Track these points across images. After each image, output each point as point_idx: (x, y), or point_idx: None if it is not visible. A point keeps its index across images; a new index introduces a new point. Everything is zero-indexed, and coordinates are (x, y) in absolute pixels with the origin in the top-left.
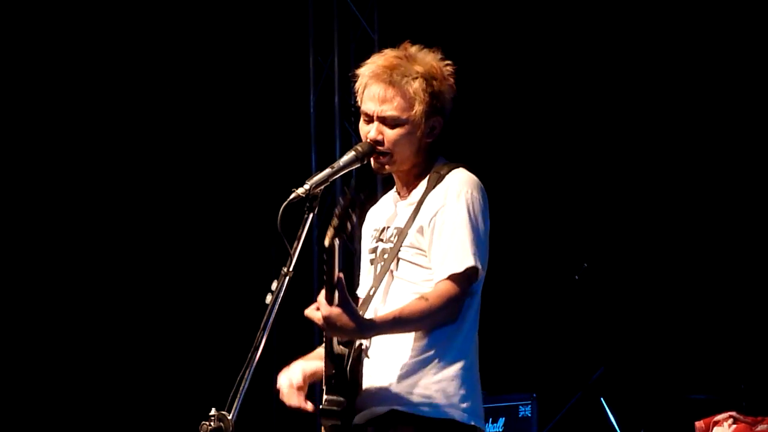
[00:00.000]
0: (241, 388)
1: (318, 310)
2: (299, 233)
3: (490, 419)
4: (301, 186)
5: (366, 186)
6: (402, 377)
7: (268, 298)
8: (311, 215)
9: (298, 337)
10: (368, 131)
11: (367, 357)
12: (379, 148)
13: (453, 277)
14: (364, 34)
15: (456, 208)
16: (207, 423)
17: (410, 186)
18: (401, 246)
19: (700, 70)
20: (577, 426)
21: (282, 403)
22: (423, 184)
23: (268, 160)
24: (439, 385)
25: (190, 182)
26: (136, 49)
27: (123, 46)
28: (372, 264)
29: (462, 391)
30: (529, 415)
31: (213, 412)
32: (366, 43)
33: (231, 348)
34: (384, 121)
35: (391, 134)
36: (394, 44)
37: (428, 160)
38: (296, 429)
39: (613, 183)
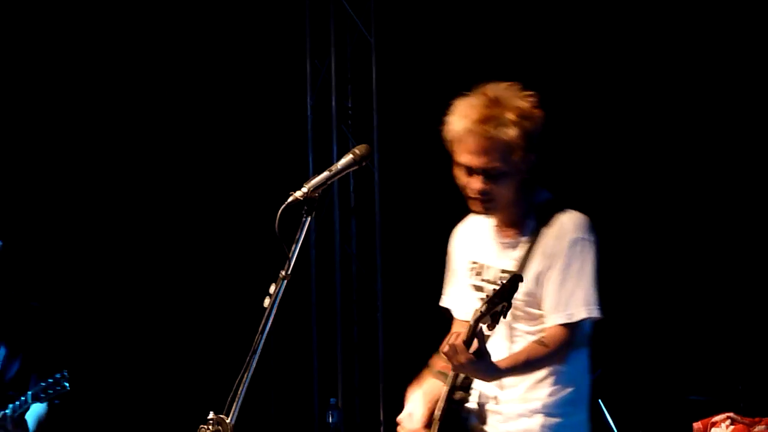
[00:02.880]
0: (239, 392)
1: (450, 347)
2: (297, 237)
3: None
4: (299, 189)
5: None
6: (533, 413)
7: (266, 302)
8: (309, 218)
9: (295, 341)
10: (469, 182)
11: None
12: (486, 197)
13: (569, 325)
14: (360, 37)
15: (569, 256)
16: (205, 426)
17: (512, 224)
18: (510, 288)
19: (696, 66)
20: None
21: (281, 407)
22: (528, 225)
23: (266, 163)
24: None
25: (188, 185)
26: (135, 51)
27: (122, 48)
28: (485, 304)
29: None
30: None
31: (211, 415)
32: (363, 46)
33: (229, 351)
34: (486, 173)
35: (495, 185)
36: (390, 47)
37: (527, 194)
38: (295, 430)
39: (608, 184)
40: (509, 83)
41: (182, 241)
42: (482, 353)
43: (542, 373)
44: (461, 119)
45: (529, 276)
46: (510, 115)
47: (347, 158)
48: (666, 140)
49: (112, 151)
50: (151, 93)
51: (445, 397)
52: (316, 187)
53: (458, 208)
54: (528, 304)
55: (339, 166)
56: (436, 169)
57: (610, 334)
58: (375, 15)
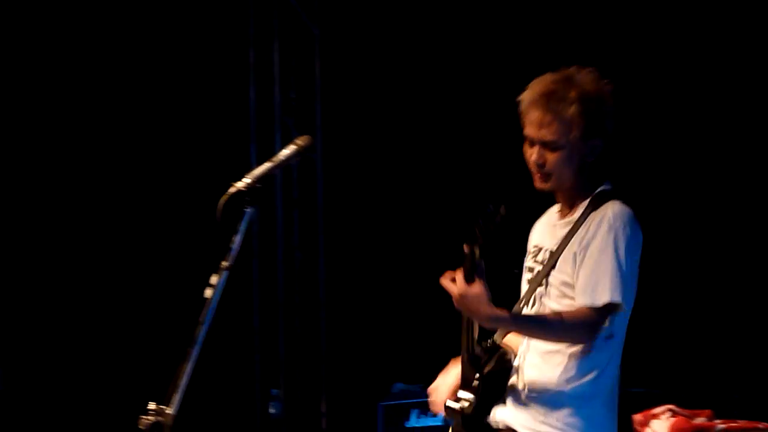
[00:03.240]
0: (180, 383)
1: (454, 283)
2: (239, 228)
3: (429, 412)
4: (241, 180)
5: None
6: (534, 404)
7: (208, 293)
8: (251, 209)
9: (237, 332)
10: (531, 154)
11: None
12: (542, 169)
13: (591, 308)
14: (304, 29)
15: (604, 241)
16: (146, 417)
17: (571, 205)
18: (550, 270)
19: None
20: None
21: (222, 398)
22: (582, 206)
23: (208, 154)
24: (563, 422)
25: (128, 176)
26: (75, 40)
27: (62, 37)
28: (529, 284)
29: (583, 425)
30: None
31: (152, 406)
32: (307, 37)
33: (170, 342)
34: (544, 145)
35: (551, 158)
36: (335, 39)
37: (591, 181)
38: (236, 423)
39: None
40: (590, 68)
41: (122, 232)
42: (483, 285)
43: (561, 353)
44: (529, 92)
45: (564, 256)
46: (573, 93)
47: (289, 149)
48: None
49: (45, 142)
50: (91, 83)
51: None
52: (258, 178)
53: (401, 200)
54: (562, 283)
55: (281, 157)
56: (380, 161)
57: None
58: (319, 6)
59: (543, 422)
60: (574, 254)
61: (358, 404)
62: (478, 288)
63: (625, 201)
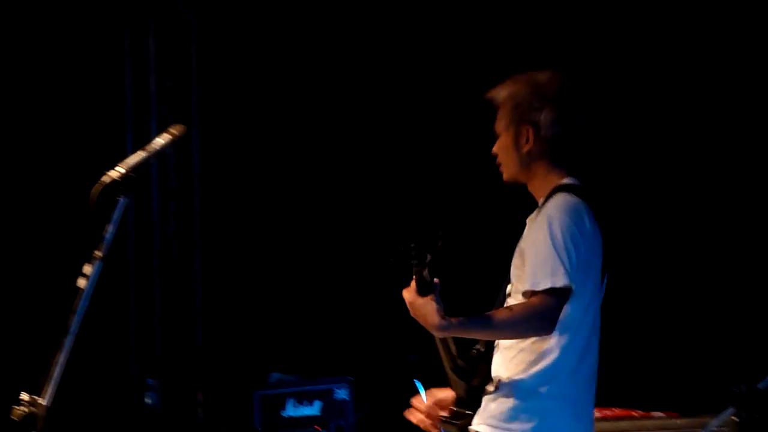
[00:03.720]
0: (53, 374)
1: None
2: (112, 217)
3: (306, 402)
4: (114, 169)
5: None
6: (490, 402)
7: (81, 282)
8: (125, 199)
9: (113, 322)
10: None
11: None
12: (496, 159)
13: (541, 295)
14: (180, 16)
15: (541, 231)
16: (18, 408)
17: (538, 202)
18: (512, 266)
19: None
20: (393, 409)
21: (97, 389)
22: (542, 202)
23: (83, 143)
24: (507, 415)
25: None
26: None
27: None
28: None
29: (534, 418)
30: (346, 398)
31: (24, 396)
32: (183, 25)
33: (43, 332)
34: (496, 136)
35: (498, 148)
36: (211, 27)
37: (546, 176)
38: (112, 413)
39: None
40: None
41: None
42: (435, 297)
43: (513, 348)
44: None
45: (516, 253)
46: (511, 82)
47: (163, 138)
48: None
49: None
50: None
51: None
52: (132, 167)
53: (277, 189)
54: (518, 279)
55: (155, 146)
56: (256, 150)
57: None
58: None
59: (489, 417)
60: (522, 249)
61: (234, 394)
62: (427, 299)
63: (577, 194)
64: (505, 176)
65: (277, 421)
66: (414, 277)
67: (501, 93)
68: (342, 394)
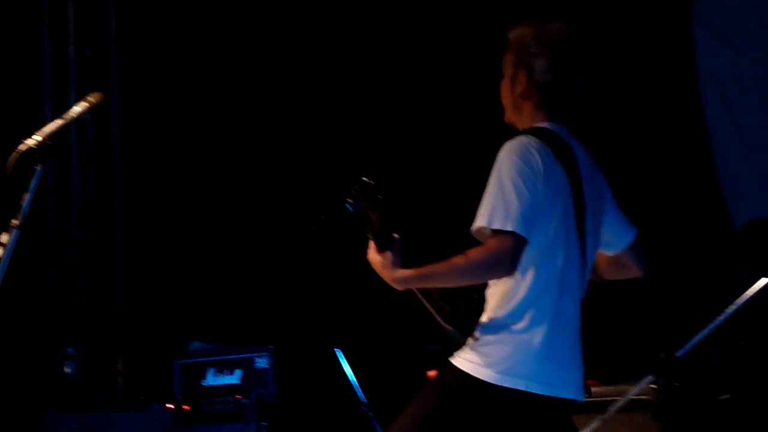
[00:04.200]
0: None
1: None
2: (30, 185)
3: (227, 371)
4: (31, 138)
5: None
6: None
7: None
8: (42, 167)
9: (32, 291)
10: None
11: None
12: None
13: (495, 237)
14: None
15: (493, 172)
16: None
17: None
18: None
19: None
20: (313, 377)
21: (16, 358)
22: None
23: (0, 111)
24: (479, 348)
25: None
26: None
27: None
28: None
29: (501, 352)
30: (267, 366)
31: None
32: None
33: None
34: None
35: (501, 85)
36: None
37: (528, 121)
38: (31, 383)
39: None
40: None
41: None
42: (392, 252)
43: (490, 296)
44: None
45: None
46: (520, 25)
47: (80, 106)
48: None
49: None
50: None
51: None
52: (49, 136)
53: (197, 157)
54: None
55: (72, 114)
56: (176, 118)
57: (348, 284)
58: None
59: (464, 352)
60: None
61: (154, 363)
62: (384, 254)
63: (540, 135)
64: (505, 117)
65: (198, 390)
66: (369, 237)
67: (513, 32)
68: (262, 362)
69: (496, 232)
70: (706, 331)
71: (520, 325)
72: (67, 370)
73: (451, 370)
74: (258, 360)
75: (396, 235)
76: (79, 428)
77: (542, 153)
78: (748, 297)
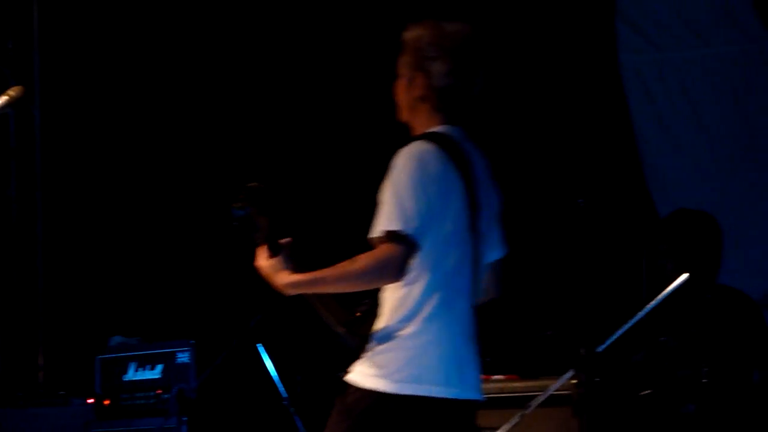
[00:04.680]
0: None
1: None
2: None
3: (148, 366)
4: None
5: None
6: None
7: None
8: None
9: None
10: None
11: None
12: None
13: (384, 244)
14: None
15: (388, 180)
16: None
17: None
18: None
19: None
20: (235, 372)
21: None
22: None
23: None
24: (375, 357)
25: None
26: None
27: None
28: None
29: (398, 360)
30: (188, 361)
31: None
32: None
33: None
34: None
35: (396, 84)
36: None
37: (424, 124)
38: None
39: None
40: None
41: None
42: (282, 258)
43: (384, 296)
44: None
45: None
46: (415, 26)
47: (2, 99)
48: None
49: None
50: None
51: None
52: None
53: (121, 151)
54: None
55: None
56: (99, 111)
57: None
58: None
59: (360, 364)
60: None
61: (75, 357)
62: (273, 260)
63: (436, 140)
64: (400, 116)
65: (119, 384)
66: (258, 243)
67: (408, 35)
68: (184, 357)
69: (388, 238)
70: (626, 326)
71: (414, 330)
72: None
73: (354, 388)
74: (179, 355)
75: (286, 240)
76: None
77: (437, 158)
78: (668, 292)
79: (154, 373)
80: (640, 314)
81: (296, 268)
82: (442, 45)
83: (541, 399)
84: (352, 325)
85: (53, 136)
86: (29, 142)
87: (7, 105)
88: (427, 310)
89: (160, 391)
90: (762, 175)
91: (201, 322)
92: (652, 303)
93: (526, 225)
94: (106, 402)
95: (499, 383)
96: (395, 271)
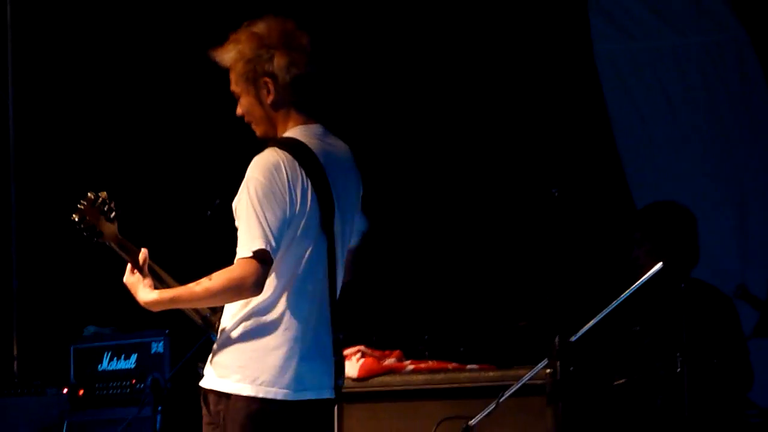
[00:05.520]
0: None
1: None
2: None
3: (123, 356)
4: None
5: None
6: (216, 346)
7: None
8: None
9: None
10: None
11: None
12: (247, 120)
13: (240, 261)
14: None
15: (241, 196)
16: None
17: None
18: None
19: None
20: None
21: None
22: None
23: None
24: (220, 357)
25: None
26: None
27: None
28: None
29: (239, 361)
30: (162, 351)
31: None
32: None
33: None
34: (236, 97)
35: (240, 106)
36: None
37: (286, 126)
38: None
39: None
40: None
41: None
42: (142, 274)
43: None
44: None
45: (234, 209)
46: (233, 41)
47: None
48: None
49: None
50: None
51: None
52: None
53: (97, 140)
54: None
55: None
56: (74, 101)
57: None
58: None
59: (212, 365)
60: (234, 209)
61: (50, 347)
62: (134, 277)
63: (286, 146)
64: (259, 133)
65: (94, 374)
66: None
67: (227, 55)
68: (158, 347)
69: (243, 257)
70: (600, 315)
71: (268, 333)
72: None
73: (221, 396)
74: (154, 344)
75: (143, 252)
76: None
77: (286, 165)
78: (642, 281)
79: (129, 363)
80: (614, 303)
81: (158, 281)
82: (268, 45)
83: (515, 388)
84: (209, 321)
85: (27, 123)
86: (3, 134)
87: None
88: (278, 311)
89: (134, 381)
90: (732, 166)
91: (175, 311)
92: (626, 292)
93: (501, 215)
94: (81, 392)
95: (473, 373)
96: (255, 288)
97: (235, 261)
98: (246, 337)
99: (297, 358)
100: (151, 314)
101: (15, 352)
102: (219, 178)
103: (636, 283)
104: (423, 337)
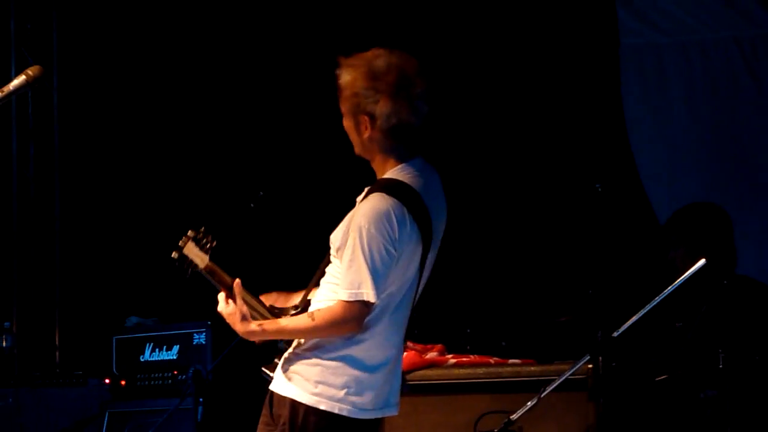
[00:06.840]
0: None
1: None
2: None
3: (165, 347)
4: None
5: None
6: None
7: None
8: None
9: None
10: None
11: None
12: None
13: (343, 304)
14: None
15: (353, 239)
16: None
17: None
18: (331, 246)
19: None
20: (251, 353)
21: None
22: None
23: None
24: (300, 367)
25: None
26: None
27: None
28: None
29: (320, 376)
30: (204, 342)
31: None
32: None
33: None
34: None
35: (348, 130)
36: None
37: (382, 162)
38: None
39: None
40: (392, 50)
41: None
42: (239, 303)
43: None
44: None
45: (340, 230)
46: (349, 67)
47: (19, 80)
48: None
49: None
50: None
51: None
52: None
53: (139, 131)
54: (333, 273)
55: (10, 88)
56: (117, 93)
57: (289, 258)
58: None
59: (298, 377)
60: (339, 246)
61: (92, 337)
62: (231, 308)
63: (395, 191)
64: (356, 152)
65: (136, 365)
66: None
67: (342, 77)
68: (200, 338)
69: (348, 301)
70: (643, 311)
71: (354, 352)
72: (3, 344)
73: (291, 404)
74: (196, 336)
75: (237, 282)
76: (15, 403)
77: (395, 212)
78: (684, 277)
79: (171, 354)
80: (657, 299)
81: (251, 309)
82: (377, 88)
83: (557, 383)
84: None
85: (71, 117)
86: (47, 123)
87: (25, 85)
88: (365, 336)
89: (176, 372)
90: (750, 164)
91: (217, 302)
92: (670, 288)
93: (545, 210)
94: (123, 382)
95: (515, 367)
96: (354, 328)
97: (337, 301)
98: (330, 352)
99: (381, 381)
100: (193, 306)
101: (57, 342)
102: (261, 172)
103: (679, 279)
104: (465, 331)
